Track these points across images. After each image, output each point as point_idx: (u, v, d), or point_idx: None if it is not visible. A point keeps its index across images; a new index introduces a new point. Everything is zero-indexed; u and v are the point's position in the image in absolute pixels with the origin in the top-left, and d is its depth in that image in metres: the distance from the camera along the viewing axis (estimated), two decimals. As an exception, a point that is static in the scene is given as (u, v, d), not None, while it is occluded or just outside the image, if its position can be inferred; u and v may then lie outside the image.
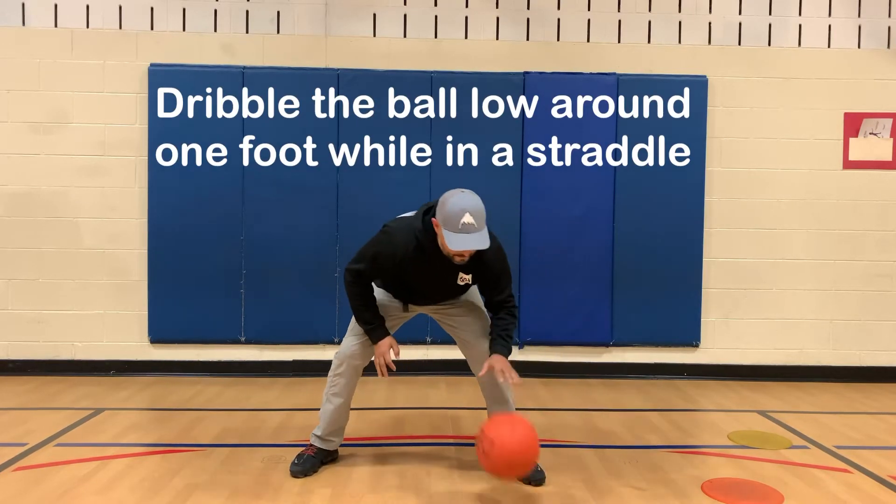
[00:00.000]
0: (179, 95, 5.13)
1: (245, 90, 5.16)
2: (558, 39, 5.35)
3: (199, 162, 5.15)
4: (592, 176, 5.27)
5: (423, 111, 5.21)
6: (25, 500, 3.05)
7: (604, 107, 5.25)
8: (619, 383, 5.24)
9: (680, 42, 5.37)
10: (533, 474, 3.25)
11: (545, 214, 5.27)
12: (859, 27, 5.38)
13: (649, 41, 5.37)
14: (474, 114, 5.21)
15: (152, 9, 5.22)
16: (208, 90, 5.14)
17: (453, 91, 5.21)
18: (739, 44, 5.38)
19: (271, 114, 5.17)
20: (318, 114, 5.18)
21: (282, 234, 5.21)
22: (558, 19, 5.35)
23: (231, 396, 4.77)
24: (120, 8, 5.21)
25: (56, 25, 5.19)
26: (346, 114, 5.19)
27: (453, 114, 5.21)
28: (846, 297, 5.42)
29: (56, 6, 5.19)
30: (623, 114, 5.25)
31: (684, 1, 5.37)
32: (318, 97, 5.18)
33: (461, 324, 3.39)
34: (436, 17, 5.31)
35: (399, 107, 5.20)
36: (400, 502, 3.08)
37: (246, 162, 5.16)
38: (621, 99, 5.25)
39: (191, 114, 5.14)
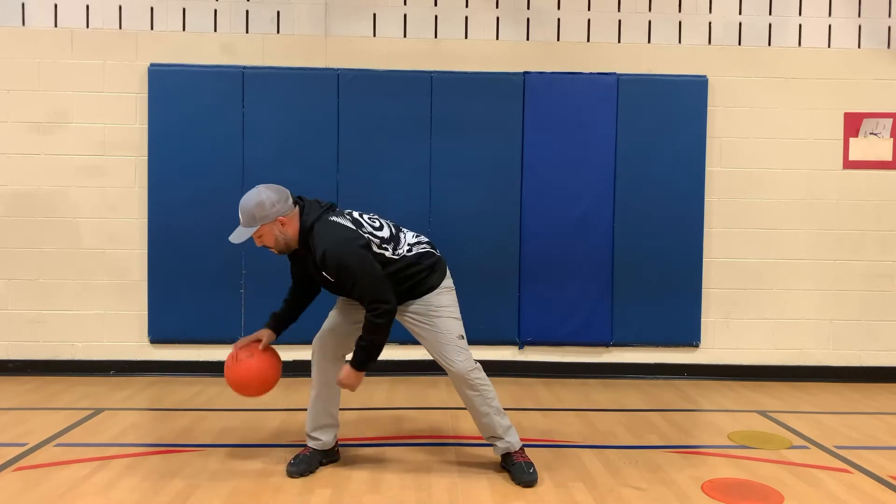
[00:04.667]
0: (179, 95, 5.13)
1: (245, 90, 5.16)
2: (558, 39, 5.35)
3: (199, 162, 5.15)
4: (592, 176, 5.27)
5: (423, 111, 5.21)
6: (25, 500, 3.05)
7: (604, 107, 5.25)
8: (619, 383, 5.24)
9: (680, 42, 5.37)
10: (525, 475, 3.25)
11: (545, 214, 5.27)
12: (859, 27, 5.38)
13: (649, 41, 5.37)
14: (474, 114, 5.21)
15: (152, 9, 5.22)
16: (208, 90, 5.14)
17: (453, 91, 5.21)
18: (739, 44, 5.38)
19: (271, 114, 5.17)
20: (318, 114, 5.18)
21: (282, 234, 5.20)
22: (558, 19, 5.35)
23: (231, 396, 4.71)
24: (120, 8, 5.21)
25: (56, 25, 5.19)
26: (346, 114, 5.19)
27: (453, 114, 5.21)
28: (846, 297, 5.42)
29: (56, 6, 5.19)
30: (623, 114, 5.25)
31: (684, 1, 5.37)
32: (318, 97, 5.18)
33: (419, 337, 3.35)
34: (436, 17, 5.31)
35: (399, 107, 5.20)
36: (400, 502, 3.08)
37: (246, 162, 5.16)
38: (621, 99, 5.25)
39: (191, 114, 5.14)
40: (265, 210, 3.11)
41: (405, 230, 3.39)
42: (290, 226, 3.18)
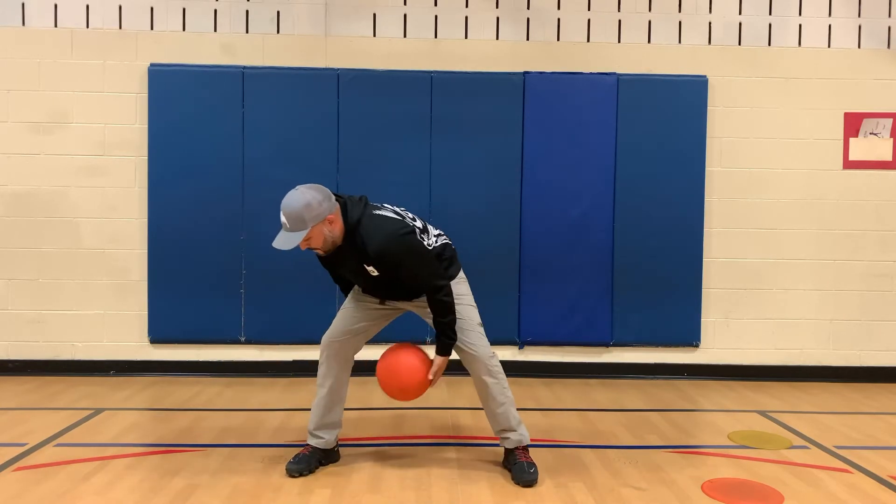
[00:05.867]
0: (179, 95, 5.13)
1: (245, 90, 5.16)
2: (558, 39, 5.35)
3: (199, 162, 5.15)
4: (592, 176, 5.27)
5: (423, 111, 5.21)
6: (25, 500, 3.05)
7: (604, 107, 5.25)
8: (619, 383, 5.24)
9: (680, 42, 5.37)
10: (525, 475, 3.26)
11: (545, 214, 5.26)
12: (859, 27, 5.38)
13: (649, 41, 5.37)
14: (474, 114, 5.21)
15: (152, 9, 5.22)
16: (208, 90, 5.14)
17: (453, 91, 5.21)
18: (739, 44, 5.38)
19: (271, 114, 5.17)
20: (318, 114, 5.18)
21: (282, 234, 5.20)
22: (558, 19, 5.35)
23: (231, 396, 4.77)
24: (120, 8, 5.21)
25: (56, 25, 5.19)
26: (346, 114, 5.19)
27: (453, 114, 5.21)
28: (846, 297, 5.42)
29: (56, 6, 5.19)
30: (623, 114, 5.25)
31: (684, 1, 5.37)
32: (318, 97, 5.18)
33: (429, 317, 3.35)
34: (436, 17, 5.31)
35: (399, 107, 5.20)
36: (400, 502, 3.08)
37: (246, 162, 5.16)
38: (621, 99, 5.25)
39: (191, 114, 5.14)
40: (314, 210, 3.01)
41: (428, 224, 3.44)
42: (336, 223, 3.11)
